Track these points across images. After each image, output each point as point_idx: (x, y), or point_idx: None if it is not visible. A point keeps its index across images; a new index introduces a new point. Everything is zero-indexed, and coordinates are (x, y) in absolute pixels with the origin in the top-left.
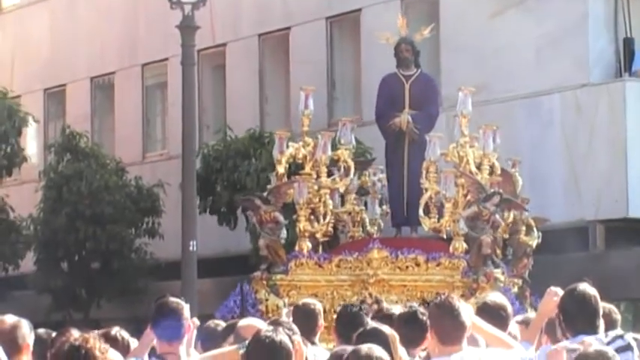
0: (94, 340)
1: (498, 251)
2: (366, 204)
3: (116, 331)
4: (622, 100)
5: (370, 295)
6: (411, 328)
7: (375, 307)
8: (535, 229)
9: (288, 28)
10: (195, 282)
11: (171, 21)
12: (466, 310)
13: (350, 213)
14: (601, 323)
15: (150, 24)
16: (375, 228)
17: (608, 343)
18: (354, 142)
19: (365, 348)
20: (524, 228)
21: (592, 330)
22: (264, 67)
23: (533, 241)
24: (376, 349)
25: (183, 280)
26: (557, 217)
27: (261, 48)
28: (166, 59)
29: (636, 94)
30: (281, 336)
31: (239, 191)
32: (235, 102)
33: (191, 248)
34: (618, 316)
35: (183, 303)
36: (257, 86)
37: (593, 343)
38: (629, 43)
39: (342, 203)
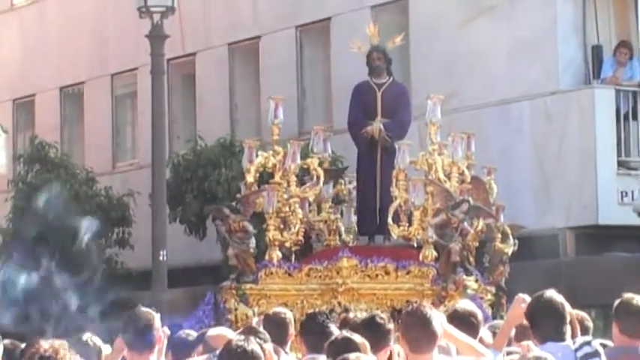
0: (63, 350)
1: (471, 258)
2: (342, 212)
3: (87, 337)
4: (591, 107)
5: (339, 304)
6: (371, 334)
7: (344, 315)
8: (511, 237)
9: (258, 37)
10: (165, 292)
11: (141, 30)
12: (438, 319)
13: (326, 221)
14: (568, 330)
15: (119, 33)
16: (351, 236)
17: (576, 350)
18: (329, 150)
19: (353, 357)
20: (499, 235)
21: (559, 337)
22: (235, 75)
23: (509, 248)
24: (364, 358)
25: (153, 290)
26: (528, 224)
27: (231, 57)
28: (136, 69)
29: (605, 101)
30: (252, 345)
31: (209, 201)
32: (205, 111)
33: (161, 258)
34: (590, 324)
35: (153, 313)
36: (227, 95)
37: (533, 348)
38: (597, 50)
39: (319, 212)
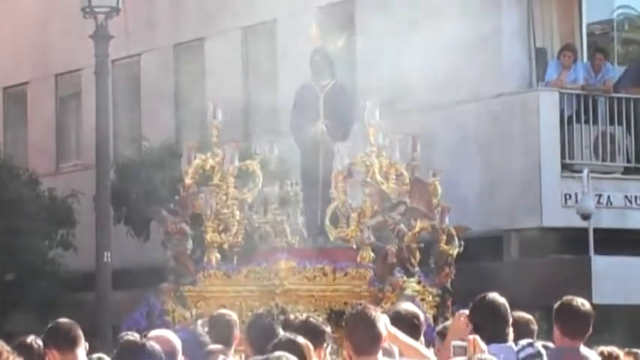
0: (7, 353)
1: (414, 260)
2: (288, 214)
3: (31, 339)
4: (536, 109)
5: (277, 305)
6: (306, 335)
7: (282, 317)
8: (456, 238)
9: (204, 38)
10: (109, 293)
11: (85, 30)
12: (382, 320)
13: (272, 223)
14: (510, 331)
15: (63, 34)
16: (297, 238)
17: (519, 351)
18: (276, 152)
19: (274, 357)
20: (444, 237)
21: (501, 338)
22: (180, 77)
23: (454, 250)
24: (289, 356)
25: (97, 292)
26: (473, 226)
27: (177, 58)
28: (80, 69)
29: (550, 103)
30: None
31: (154, 202)
32: (150, 112)
33: (105, 259)
34: (535, 327)
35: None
36: (172, 96)
37: (479, 343)
38: (542, 53)
39: (265, 213)
